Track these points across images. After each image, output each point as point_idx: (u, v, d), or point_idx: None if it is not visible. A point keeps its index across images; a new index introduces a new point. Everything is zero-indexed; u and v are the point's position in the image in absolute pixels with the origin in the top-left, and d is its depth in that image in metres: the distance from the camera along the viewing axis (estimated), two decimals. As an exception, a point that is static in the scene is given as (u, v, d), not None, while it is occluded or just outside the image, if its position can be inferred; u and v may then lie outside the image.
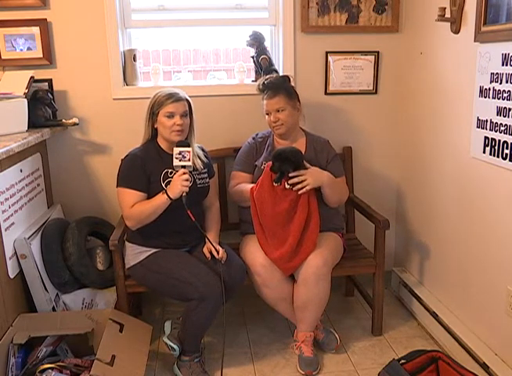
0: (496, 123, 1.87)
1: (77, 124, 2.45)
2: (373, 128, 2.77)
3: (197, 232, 2.08)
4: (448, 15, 2.11)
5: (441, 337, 2.27)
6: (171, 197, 1.98)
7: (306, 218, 2.14)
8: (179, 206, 1.97)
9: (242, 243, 2.34)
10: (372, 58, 2.66)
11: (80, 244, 2.26)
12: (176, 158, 2.01)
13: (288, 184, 2.12)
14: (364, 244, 2.56)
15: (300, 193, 2.11)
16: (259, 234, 2.19)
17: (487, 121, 1.93)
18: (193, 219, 1.99)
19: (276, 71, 2.57)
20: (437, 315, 2.30)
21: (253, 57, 2.60)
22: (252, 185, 2.22)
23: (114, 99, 2.54)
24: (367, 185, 2.81)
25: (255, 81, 2.56)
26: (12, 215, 2.02)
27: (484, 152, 1.97)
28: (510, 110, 1.80)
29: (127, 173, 2.09)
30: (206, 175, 2.23)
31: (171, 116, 2.06)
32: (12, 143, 1.92)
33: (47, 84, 2.46)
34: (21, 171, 2.15)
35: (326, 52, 2.63)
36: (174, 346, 2.11)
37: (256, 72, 2.63)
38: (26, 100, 2.21)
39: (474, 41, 1.96)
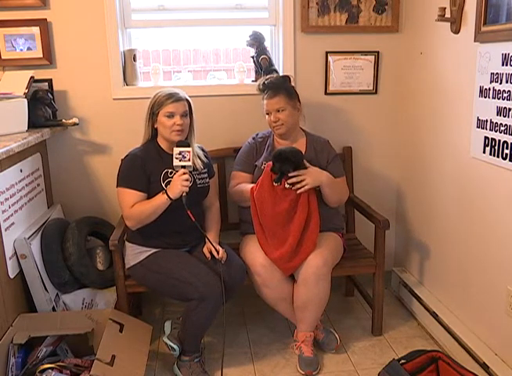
0: (496, 123, 1.87)
1: (77, 124, 2.45)
2: (373, 128, 2.77)
3: (197, 232, 2.08)
4: (448, 15, 2.11)
5: (441, 337, 2.27)
6: (171, 197, 1.98)
7: (306, 218, 2.14)
8: (179, 206, 1.97)
9: (242, 243, 2.34)
10: (372, 58, 2.66)
11: (80, 244, 2.26)
12: (176, 158, 2.01)
13: (287, 184, 2.12)
14: (364, 244, 2.56)
15: (298, 192, 2.12)
16: (259, 234, 2.19)
17: (487, 121, 1.93)
18: (193, 219, 1.99)
19: (276, 71, 2.57)
20: (437, 315, 2.30)
21: (253, 57, 2.60)
22: (252, 185, 2.22)
23: (114, 99, 2.54)
24: (367, 185, 2.81)
25: (255, 81, 2.56)
26: (12, 215, 2.02)
27: (484, 152, 1.97)
28: (510, 110, 1.80)
29: (127, 173, 2.09)
30: (206, 175, 2.23)
31: (171, 116, 2.06)
32: (12, 143, 1.92)
33: (47, 84, 2.46)
34: (21, 171, 2.15)
35: (326, 52, 2.63)
36: (174, 346, 2.11)
37: (256, 72, 2.63)
38: (26, 100, 2.21)
39: (474, 41, 1.96)
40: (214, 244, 2.11)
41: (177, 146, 2.02)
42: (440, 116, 2.34)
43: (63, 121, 2.42)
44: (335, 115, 2.72)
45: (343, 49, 2.64)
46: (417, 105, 2.58)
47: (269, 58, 2.56)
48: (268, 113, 2.27)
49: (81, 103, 2.53)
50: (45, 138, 2.31)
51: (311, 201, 2.16)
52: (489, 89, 1.91)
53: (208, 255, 2.11)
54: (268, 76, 2.34)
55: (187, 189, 1.98)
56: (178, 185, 1.97)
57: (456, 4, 2.08)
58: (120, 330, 2.01)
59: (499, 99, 1.85)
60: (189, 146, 2.04)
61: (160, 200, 2.00)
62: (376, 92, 2.72)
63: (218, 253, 2.08)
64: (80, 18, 2.44)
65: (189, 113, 2.12)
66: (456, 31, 2.12)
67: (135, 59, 2.56)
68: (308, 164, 2.19)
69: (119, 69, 2.51)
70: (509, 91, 1.79)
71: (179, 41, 2.91)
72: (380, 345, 2.35)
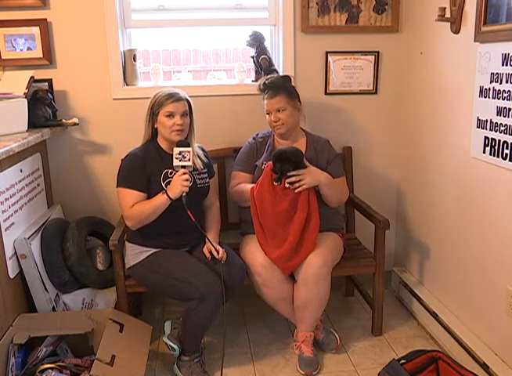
0: (496, 123, 1.87)
1: (77, 124, 2.45)
2: (373, 128, 2.77)
3: (197, 232, 2.08)
4: (448, 15, 2.11)
5: (441, 337, 2.27)
6: (171, 197, 1.98)
7: (306, 217, 2.14)
8: (179, 206, 1.97)
9: (242, 243, 2.34)
10: (372, 58, 2.66)
11: (80, 244, 2.26)
12: (176, 158, 2.01)
13: (287, 183, 2.13)
14: (364, 244, 2.56)
15: (296, 191, 2.12)
16: (259, 234, 2.19)
17: (487, 121, 1.93)
18: (193, 219, 1.99)
19: (276, 71, 2.57)
20: (437, 315, 2.30)
21: (253, 57, 2.60)
22: (252, 185, 2.22)
23: (114, 99, 2.54)
24: (367, 185, 2.81)
25: (255, 81, 2.57)
26: (12, 215, 2.02)
27: (484, 152, 1.97)
28: (510, 110, 1.80)
29: (127, 173, 2.09)
30: (206, 175, 2.23)
31: (171, 116, 2.06)
32: (12, 143, 1.92)
33: (47, 84, 2.46)
34: (21, 171, 2.15)
35: (326, 52, 2.63)
36: (174, 346, 2.11)
37: (256, 72, 2.63)
38: (26, 100, 2.21)
39: (474, 41, 1.96)
40: (214, 244, 2.11)
41: (177, 146, 2.02)
42: (440, 116, 2.34)
43: (63, 121, 2.42)
44: (335, 115, 2.72)
45: (343, 49, 2.64)
46: (417, 105, 2.58)
47: (269, 58, 2.56)
48: (268, 113, 2.27)
49: (81, 103, 2.53)
50: (45, 138, 2.31)
51: (311, 201, 2.16)
52: (489, 89, 1.91)
53: (208, 255, 2.11)
54: (268, 76, 2.34)
55: (187, 189, 1.98)
56: (178, 185, 1.97)
57: (456, 4, 2.08)
58: (120, 330, 2.01)
59: (499, 99, 1.85)
60: (189, 146, 2.04)
61: (160, 200, 2.00)
62: (376, 92, 2.72)
63: (218, 253, 2.08)
64: (80, 18, 2.44)
65: (189, 113, 2.12)
66: (456, 31, 2.12)
67: (135, 59, 2.56)
68: (307, 164, 2.19)
69: (119, 69, 2.51)
70: (509, 91, 1.79)
71: (179, 41, 2.91)
72: (380, 345, 2.35)
